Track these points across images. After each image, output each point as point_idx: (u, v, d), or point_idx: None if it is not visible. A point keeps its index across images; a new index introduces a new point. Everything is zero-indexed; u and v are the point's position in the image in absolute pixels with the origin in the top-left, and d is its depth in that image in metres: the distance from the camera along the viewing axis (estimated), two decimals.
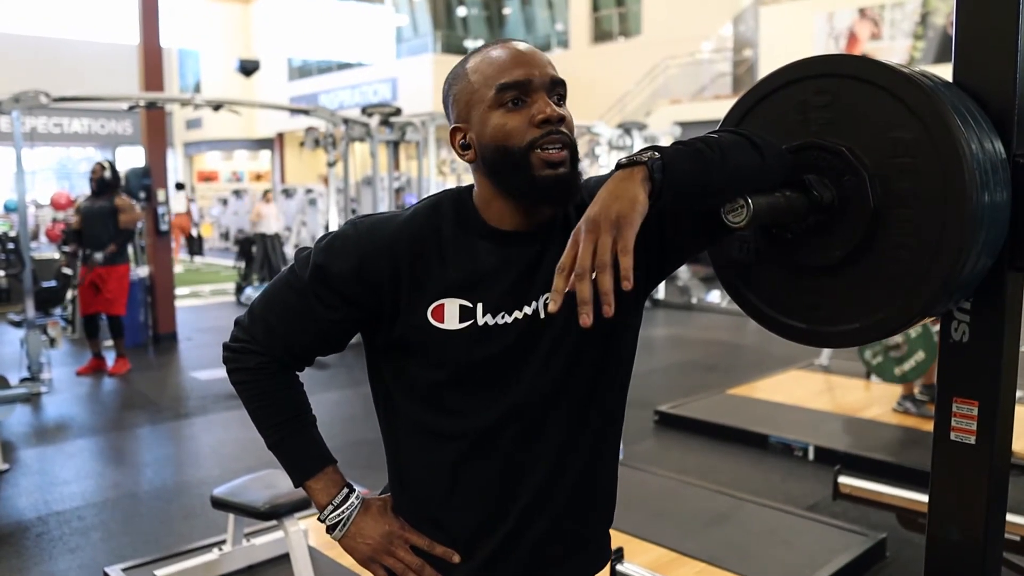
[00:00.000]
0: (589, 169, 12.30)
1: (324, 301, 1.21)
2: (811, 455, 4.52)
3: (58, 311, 7.02)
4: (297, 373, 1.31)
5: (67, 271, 7.37)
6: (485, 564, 1.27)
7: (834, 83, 1.21)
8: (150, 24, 7.94)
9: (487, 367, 1.21)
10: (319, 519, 1.29)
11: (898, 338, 4.76)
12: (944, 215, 1.10)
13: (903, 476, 3.89)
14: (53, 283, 7.66)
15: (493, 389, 1.22)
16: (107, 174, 6.61)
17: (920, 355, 4.74)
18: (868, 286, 1.20)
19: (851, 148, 1.19)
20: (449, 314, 1.19)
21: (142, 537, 3.73)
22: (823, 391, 5.85)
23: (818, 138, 1.22)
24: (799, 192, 1.19)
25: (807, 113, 1.24)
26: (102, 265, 6.44)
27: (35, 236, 13.07)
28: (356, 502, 1.28)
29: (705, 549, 3.22)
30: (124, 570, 3.18)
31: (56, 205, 13.37)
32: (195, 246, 18.57)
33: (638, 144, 10.37)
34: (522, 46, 1.19)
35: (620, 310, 1.25)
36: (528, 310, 1.21)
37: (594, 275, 1.01)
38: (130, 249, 7.09)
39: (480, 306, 1.19)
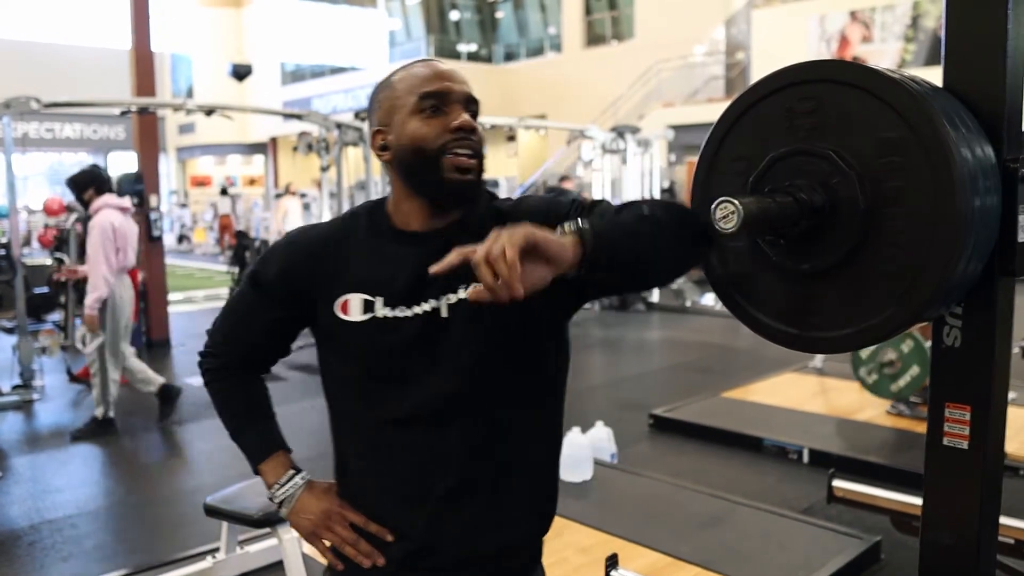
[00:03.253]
0: (583, 173, 12.33)
1: (261, 304, 1.40)
2: (806, 458, 4.52)
3: (53, 316, 6.99)
4: (261, 375, 1.49)
5: (61, 277, 7.33)
6: (418, 550, 1.32)
7: (818, 89, 1.21)
8: (142, 29, 7.93)
9: (392, 359, 1.30)
10: (268, 498, 1.42)
11: (892, 354, 4.77)
12: (935, 211, 1.10)
13: (897, 479, 3.89)
14: (45, 289, 7.62)
15: (402, 382, 1.30)
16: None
17: (915, 370, 4.74)
18: (862, 291, 1.20)
19: (838, 151, 1.19)
20: (354, 308, 1.31)
21: (135, 545, 3.71)
22: (817, 393, 5.85)
23: (805, 143, 1.22)
24: (789, 197, 1.19)
25: (793, 120, 1.24)
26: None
27: (27, 242, 13.02)
28: (300, 482, 1.41)
29: (700, 553, 3.22)
30: None
31: (48, 211, 13.30)
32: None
33: (632, 147, 10.37)
34: (443, 64, 1.32)
35: (525, 326, 1.30)
36: (427, 306, 1.29)
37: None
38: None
39: (380, 299, 1.30)
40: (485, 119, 9.79)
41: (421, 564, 1.34)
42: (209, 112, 7.35)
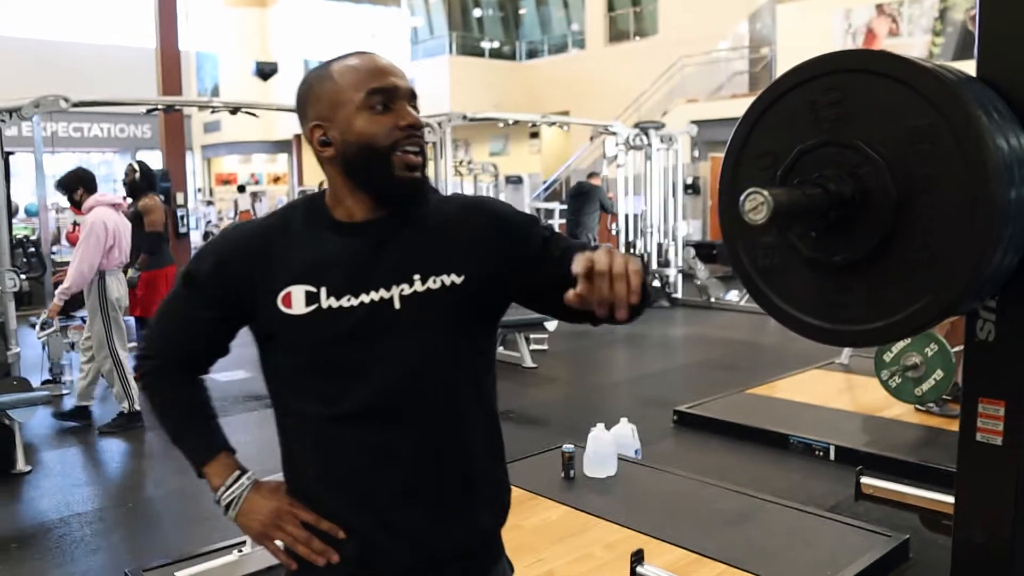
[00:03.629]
0: (607, 169, 12.29)
1: (197, 302, 1.35)
2: (832, 455, 4.48)
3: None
4: (200, 376, 1.44)
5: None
6: (372, 549, 1.30)
7: (842, 79, 1.20)
8: (168, 28, 8.00)
9: (339, 350, 1.28)
10: (215, 501, 1.37)
11: (916, 358, 4.68)
12: (969, 200, 1.08)
13: (926, 476, 3.84)
14: None
15: (350, 375, 1.28)
16: (136, 176, 6.63)
17: (939, 374, 4.65)
18: (894, 283, 1.18)
19: (865, 140, 1.17)
20: (296, 300, 1.28)
21: (163, 539, 3.75)
22: (844, 390, 5.80)
23: (830, 135, 1.20)
24: (818, 188, 1.18)
25: (818, 112, 1.23)
26: (142, 272, 6.45)
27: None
28: (247, 482, 1.37)
29: (725, 550, 3.19)
30: (145, 571, 3.20)
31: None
32: None
33: (655, 143, 10.32)
34: (383, 58, 1.30)
35: (475, 317, 1.35)
36: (375, 296, 1.27)
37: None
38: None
39: (324, 290, 1.27)
40: (508, 115, 9.80)
41: (377, 566, 1.31)
42: (234, 110, 7.40)
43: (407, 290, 1.28)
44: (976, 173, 1.07)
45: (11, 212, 5.73)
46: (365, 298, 1.27)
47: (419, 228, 1.32)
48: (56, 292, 5.17)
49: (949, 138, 1.10)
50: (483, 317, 1.37)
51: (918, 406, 5.00)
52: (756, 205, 1.10)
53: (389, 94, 1.26)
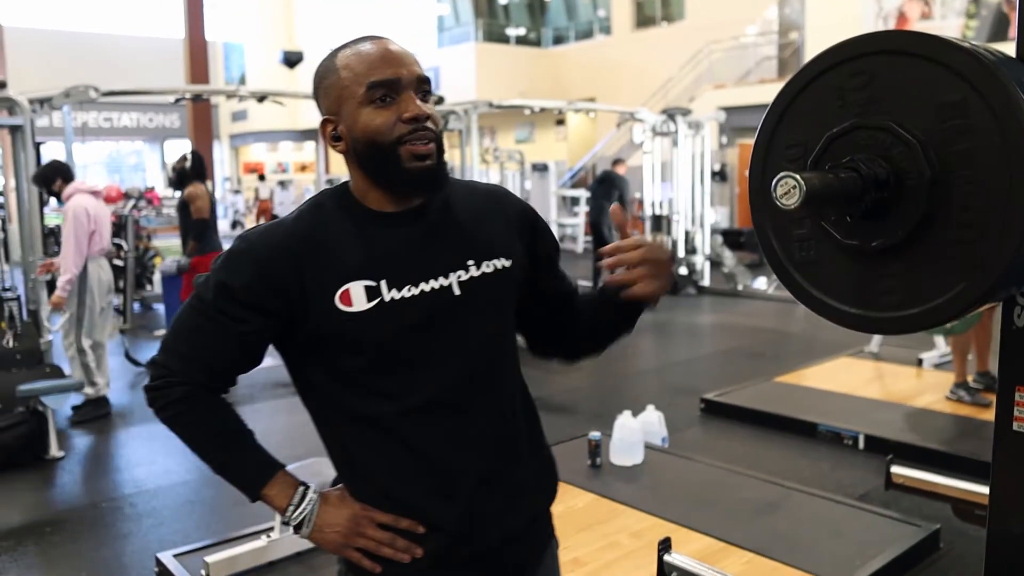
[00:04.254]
0: (631, 157, 12.22)
1: (233, 316, 1.24)
2: (861, 444, 4.44)
3: (114, 301, 7.15)
4: (223, 395, 1.33)
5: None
6: (454, 541, 1.30)
7: (869, 62, 1.17)
8: (195, 18, 8.05)
9: (404, 342, 1.26)
10: (283, 522, 1.34)
11: None
12: (1008, 176, 1.05)
13: (957, 466, 3.80)
14: None
15: (415, 366, 1.26)
16: (186, 165, 6.74)
17: None
18: (935, 266, 1.15)
19: (896, 121, 1.15)
20: (356, 297, 1.23)
21: (193, 524, 3.79)
22: (873, 379, 5.74)
23: (859, 119, 1.18)
24: (852, 172, 1.16)
25: (845, 97, 1.20)
26: (191, 259, 6.51)
27: None
28: (315, 496, 1.32)
29: (753, 539, 3.18)
30: (175, 556, 3.24)
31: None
32: None
33: (682, 130, 10.25)
34: (391, 44, 1.26)
35: (511, 296, 1.38)
36: (435, 284, 1.27)
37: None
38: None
39: (384, 283, 1.24)
40: (534, 102, 9.76)
41: (458, 556, 1.31)
42: (261, 99, 7.43)
43: (464, 276, 1.29)
44: (1016, 150, 1.05)
45: (43, 202, 5.79)
46: (425, 287, 1.26)
47: (457, 214, 1.32)
48: (59, 284, 5.23)
49: (985, 114, 1.07)
50: (524, 285, 1.41)
51: (948, 395, 4.94)
52: (788, 189, 1.07)
53: (391, 86, 1.22)
